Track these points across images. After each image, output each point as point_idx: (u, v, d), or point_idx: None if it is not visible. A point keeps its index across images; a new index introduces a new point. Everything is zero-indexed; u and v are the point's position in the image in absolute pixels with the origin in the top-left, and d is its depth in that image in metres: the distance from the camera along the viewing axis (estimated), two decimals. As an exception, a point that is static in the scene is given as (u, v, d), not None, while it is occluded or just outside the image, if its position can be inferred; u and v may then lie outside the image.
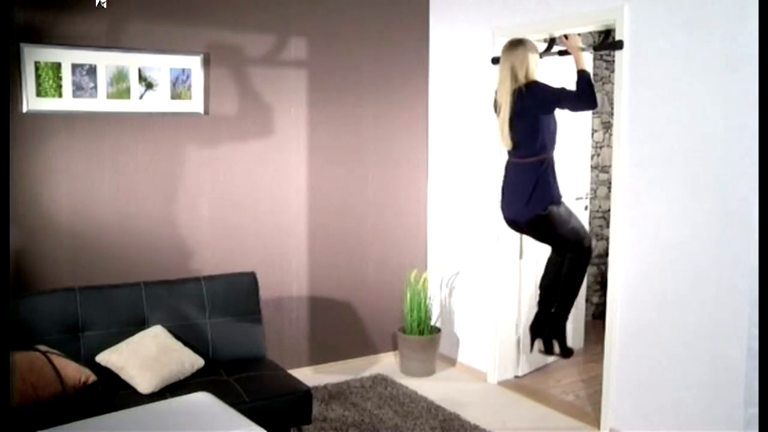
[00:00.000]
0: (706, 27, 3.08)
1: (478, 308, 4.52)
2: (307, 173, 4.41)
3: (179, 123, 3.99)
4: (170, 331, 3.39)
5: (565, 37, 3.61)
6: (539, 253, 4.36)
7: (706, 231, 3.13)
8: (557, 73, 4.12)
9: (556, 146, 3.59)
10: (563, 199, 3.60)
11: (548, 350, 3.77)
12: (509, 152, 3.60)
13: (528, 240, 3.99)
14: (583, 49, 3.59)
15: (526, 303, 4.39)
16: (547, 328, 3.74)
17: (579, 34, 3.64)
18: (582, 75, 3.43)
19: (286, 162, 4.33)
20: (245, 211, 4.23)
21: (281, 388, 3.24)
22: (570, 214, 3.61)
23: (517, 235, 4.23)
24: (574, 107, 3.48)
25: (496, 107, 3.65)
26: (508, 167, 3.61)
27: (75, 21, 3.64)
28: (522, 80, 3.47)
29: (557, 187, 3.54)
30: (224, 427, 2.41)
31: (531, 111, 3.45)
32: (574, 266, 3.64)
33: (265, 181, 4.27)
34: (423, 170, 4.85)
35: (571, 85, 3.50)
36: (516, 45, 3.54)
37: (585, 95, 3.39)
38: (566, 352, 3.78)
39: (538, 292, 3.81)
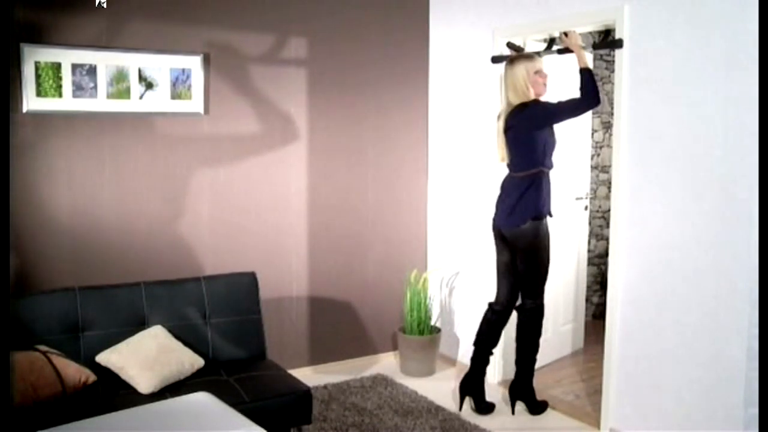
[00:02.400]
0: (706, 27, 3.08)
1: (478, 308, 4.51)
2: (307, 173, 4.41)
3: (179, 123, 3.99)
4: (170, 331, 3.38)
5: (565, 34, 3.62)
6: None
7: (706, 231, 3.13)
8: (557, 73, 4.13)
9: (554, 160, 3.67)
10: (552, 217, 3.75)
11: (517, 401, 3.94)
12: (507, 166, 3.78)
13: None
14: (583, 47, 3.60)
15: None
16: (521, 388, 3.91)
17: (579, 34, 3.65)
18: (585, 72, 3.47)
19: (286, 162, 4.33)
20: (245, 211, 4.23)
21: (281, 388, 3.24)
22: (548, 250, 3.76)
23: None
24: (576, 112, 3.56)
25: (499, 117, 3.78)
26: (504, 180, 3.82)
27: (75, 21, 3.64)
28: (514, 101, 3.67)
29: (545, 203, 3.67)
30: (224, 427, 2.41)
31: (524, 128, 3.63)
32: (529, 326, 3.83)
33: (265, 181, 4.27)
34: (423, 170, 4.85)
35: (570, 83, 3.52)
36: (507, 64, 3.72)
37: (589, 93, 3.47)
38: (536, 409, 3.87)
39: (516, 346, 3.95)
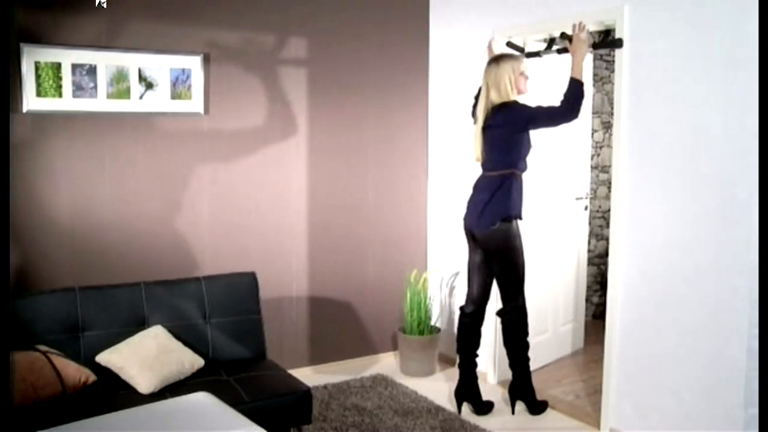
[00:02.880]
0: (706, 27, 3.08)
1: (478, 308, 4.51)
2: (307, 173, 4.41)
3: (179, 123, 3.99)
4: (170, 331, 3.38)
5: (569, 40, 3.55)
6: (539, 252, 4.36)
7: (706, 231, 3.13)
8: (557, 73, 4.13)
9: (527, 165, 3.67)
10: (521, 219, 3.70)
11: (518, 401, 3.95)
12: (482, 165, 3.75)
13: (528, 239, 3.98)
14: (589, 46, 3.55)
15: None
16: (520, 388, 3.89)
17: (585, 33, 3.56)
18: (574, 83, 3.42)
19: (286, 162, 4.33)
20: (245, 210, 4.23)
21: (281, 388, 3.24)
22: (522, 251, 3.72)
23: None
24: (552, 123, 3.53)
25: (474, 114, 3.76)
26: (478, 180, 3.78)
27: (75, 21, 3.64)
28: (495, 100, 3.63)
29: (516, 206, 3.63)
30: (224, 427, 2.41)
31: (501, 128, 3.60)
32: (514, 328, 3.80)
33: (265, 180, 4.27)
34: (423, 170, 4.85)
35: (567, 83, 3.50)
36: (492, 62, 3.67)
37: (570, 105, 3.41)
38: (536, 409, 3.89)
39: (506, 350, 3.92)
